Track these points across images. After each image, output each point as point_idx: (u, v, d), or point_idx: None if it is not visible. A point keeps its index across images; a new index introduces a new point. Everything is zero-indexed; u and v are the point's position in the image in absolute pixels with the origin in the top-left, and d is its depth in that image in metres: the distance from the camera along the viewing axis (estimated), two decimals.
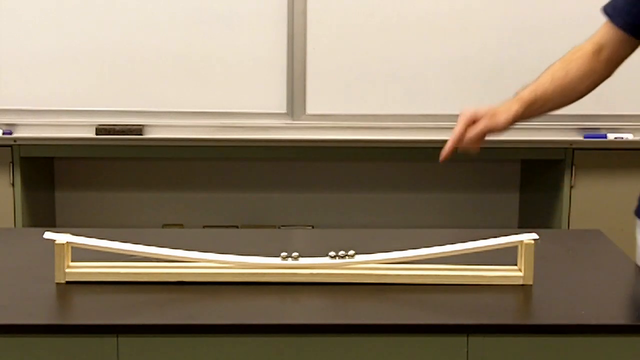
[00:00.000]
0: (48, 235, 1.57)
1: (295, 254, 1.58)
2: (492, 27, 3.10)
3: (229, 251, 1.60)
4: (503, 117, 1.64)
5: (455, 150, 1.64)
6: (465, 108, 1.66)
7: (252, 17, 3.12)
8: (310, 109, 3.17)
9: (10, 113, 3.13)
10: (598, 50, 1.72)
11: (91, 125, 3.13)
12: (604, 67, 1.73)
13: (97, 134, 3.11)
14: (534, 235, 1.58)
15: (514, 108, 1.66)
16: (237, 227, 3.53)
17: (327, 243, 1.63)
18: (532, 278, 1.56)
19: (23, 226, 3.15)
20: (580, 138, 3.17)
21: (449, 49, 3.15)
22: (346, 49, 3.15)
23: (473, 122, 1.64)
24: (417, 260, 1.61)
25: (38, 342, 1.37)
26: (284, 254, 1.58)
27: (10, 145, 3.13)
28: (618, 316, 1.51)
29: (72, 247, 1.56)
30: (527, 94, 1.69)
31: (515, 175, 3.65)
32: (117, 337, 1.37)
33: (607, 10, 1.73)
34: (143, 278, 1.56)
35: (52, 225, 3.47)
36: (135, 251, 1.58)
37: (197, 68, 3.14)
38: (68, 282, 1.55)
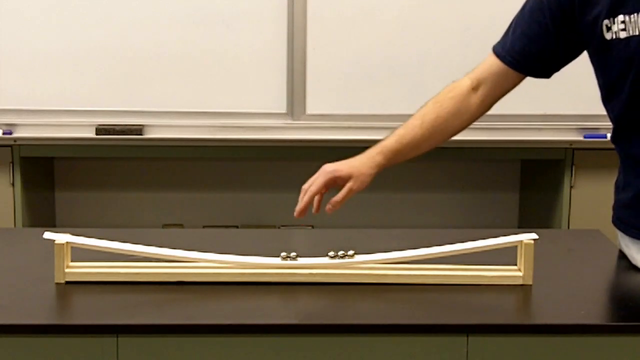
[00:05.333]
0: (48, 235, 1.57)
1: (293, 254, 1.58)
2: (493, 27, 3.10)
3: (229, 251, 1.60)
4: (367, 176, 1.64)
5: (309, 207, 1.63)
6: (325, 165, 1.64)
7: (252, 17, 3.12)
8: (310, 109, 3.17)
9: (10, 113, 3.13)
10: (476, 87, 1.71)
11: (91, 125, 3.13)
12: (479, 103, 1.71)
13: (97, 134, 3.12)
14: (534, 235, 1.58)
15: (376, 160, 1.66)
16: (237, 227, 3.53)
17: (327, 243, 1.63)
18: (532, 278, 1.56)
19: (23, 226, 3.16)
20: (580, 138, 3.17)
21: (449, 49, 3.15)
22: (346, 49, 3.15)
23: (334, 181, 1.63)
24: (417, 260, 1.60)
25: (38, 342, 1.37)
26: (283, 254, 1.58)
27: (10, 145, 3.13)
28: (618, 316, 1.51)
29: (72, 247, 1.56)
30: (392, 144, 1.68)
31: (515, 175, 3.65)
32: (117, 337, 1.37)
33: (497, 50, 1.71)
34: (143, 278, 1.56)
35: (52, 225, 3.47)
36: (135, 251, 1.58)
37: (197, 68, 3.14)
38: (68, 282, 1.55)
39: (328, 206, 1.63)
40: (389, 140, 1.69)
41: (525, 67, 1.69)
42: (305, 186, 1.64)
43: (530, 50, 1.67)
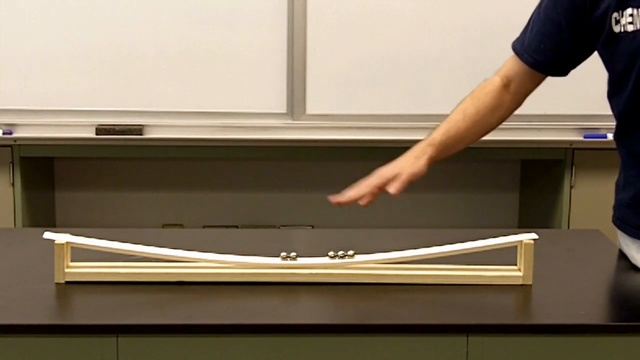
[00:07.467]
0: (48, 235, 1.57)
1: (293, 254, 1.58)
2: (493, 27, 3.10)
3: (229, 251, 1.60)
4: (421, 166, 1.65)
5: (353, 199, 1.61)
6: (380, 168, 1.64)
7: (252, 17, 3.12)
8: (310, 109, 3.17)
9: (10, 113, 3.13)
10: (507, 84, 1.75)
11: (91, 125, 3.13)
12: (511, 99, 1.75)
13: (97, 134, 3.12)
14: (534, 235, 1.58)
15: (427, 152, 1.67)
16: (237, 227, 3.53)
17: (327, 243, 1.63)
18: (532, 278, 1.56)
19: (23, 226, 3.16)
20: (580, 138, 3.18)
21: (449, 49, 3.15)
22: (346, 49, 3.15)
23: (387, 180, 1.62)
24: (416, 260, 1.60)
25: (38, 342, 1.37)
26: (283, 254, 1.58)
27: (10, 145, 3.13)
28: (618, 316, 1.51)
29: (71, 247, 1.56)
30: (440, 137, 1.70)
31: (515, 175, 3.65)
32: (117, 337, 1.37)
33: (516, 48, 1.75)
34: (143, 278, 1.56)
35: (52, 225, 3.47)
36: (135, 251, 1.58)
37: (197, 68, 3.14)
38: (68, 282, 1.55)
39: (391, 189, 1.61)
40: (436, 134, 1.71)
41: (543, 65, 1.71)
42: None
43: (546, 48, 1.70)
